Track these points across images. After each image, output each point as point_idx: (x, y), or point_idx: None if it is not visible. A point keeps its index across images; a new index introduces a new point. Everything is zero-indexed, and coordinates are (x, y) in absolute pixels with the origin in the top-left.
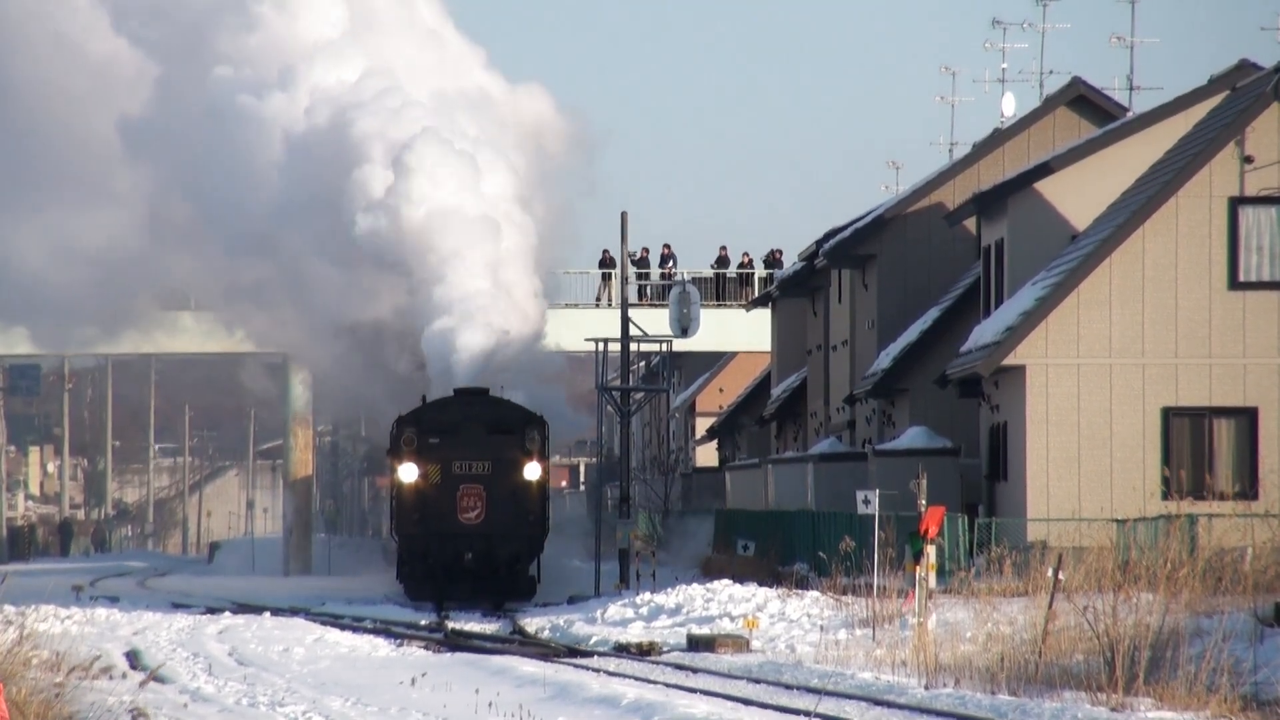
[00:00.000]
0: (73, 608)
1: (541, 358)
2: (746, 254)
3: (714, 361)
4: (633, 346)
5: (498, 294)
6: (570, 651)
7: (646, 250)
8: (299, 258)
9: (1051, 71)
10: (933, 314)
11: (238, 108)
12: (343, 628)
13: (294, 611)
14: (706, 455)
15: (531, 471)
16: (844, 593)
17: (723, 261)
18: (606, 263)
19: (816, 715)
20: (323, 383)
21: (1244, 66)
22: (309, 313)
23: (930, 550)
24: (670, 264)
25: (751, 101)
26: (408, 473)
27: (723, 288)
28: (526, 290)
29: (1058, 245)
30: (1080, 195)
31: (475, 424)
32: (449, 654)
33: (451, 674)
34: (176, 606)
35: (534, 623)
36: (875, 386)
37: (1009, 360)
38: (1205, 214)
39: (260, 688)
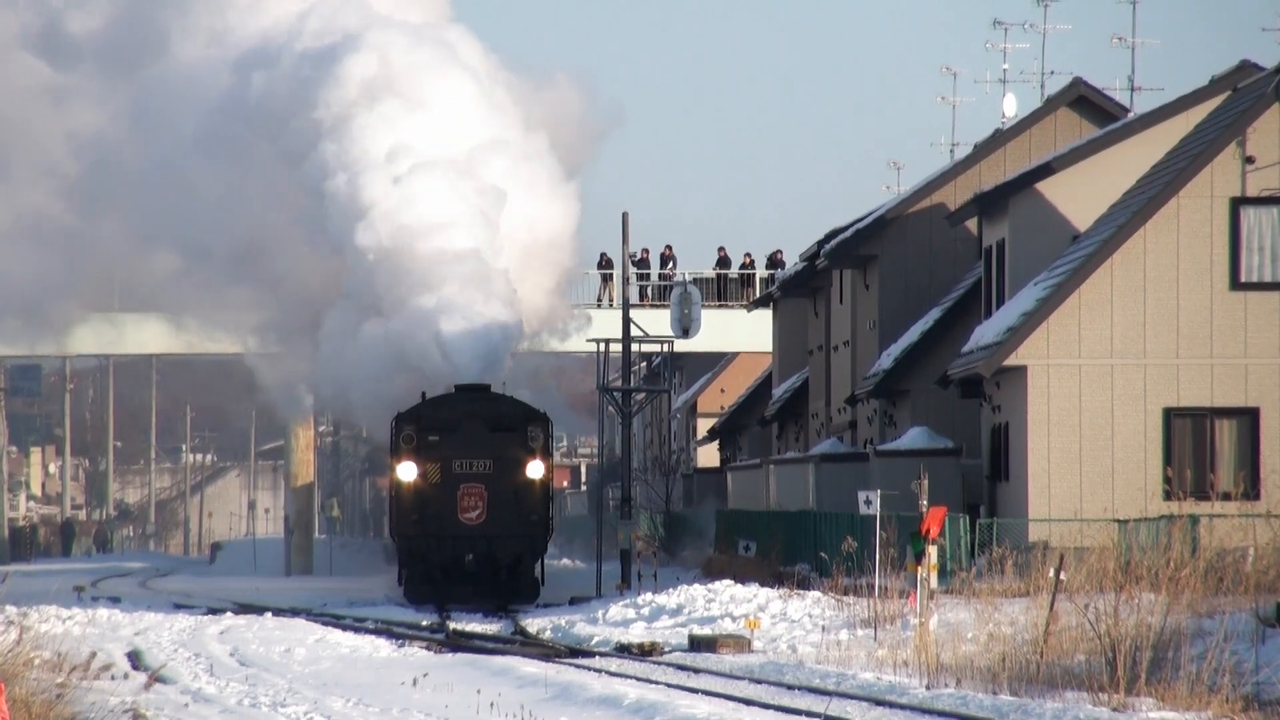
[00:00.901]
0: (74, 608)
1: (537, 358)
2: (749, 255)
3: (715, 362)
4: (634, 347)
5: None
6: (572, 652)
7: (646, 251)
8: (248, 239)
9: (1053, 72)
10: (934, 314)
11: (170, 74)
12: (344, 628)
13: (295, 612)
14: (708, 456)
15: (534, 470)
16: (845, 593)
17: (723, 263)
18: (604, 264)
19: (823, 716)
20: (284, 383)
21: (1245, 67)
22: (265, 300)
23: (931, 550)
24: (671, 265)
25: (752, 102)
26: (406, 472)
27: (723, 288)
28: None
29: (1059, 245)
30: (1081, 196)
31: (476, 421)
32: (450, 654)
33: (453, 674)
34: (178, 607)
35: (535, 623)
36: (877, 387)
37: (1010, 361)
38: (1206, 214)
39: (262, 688)
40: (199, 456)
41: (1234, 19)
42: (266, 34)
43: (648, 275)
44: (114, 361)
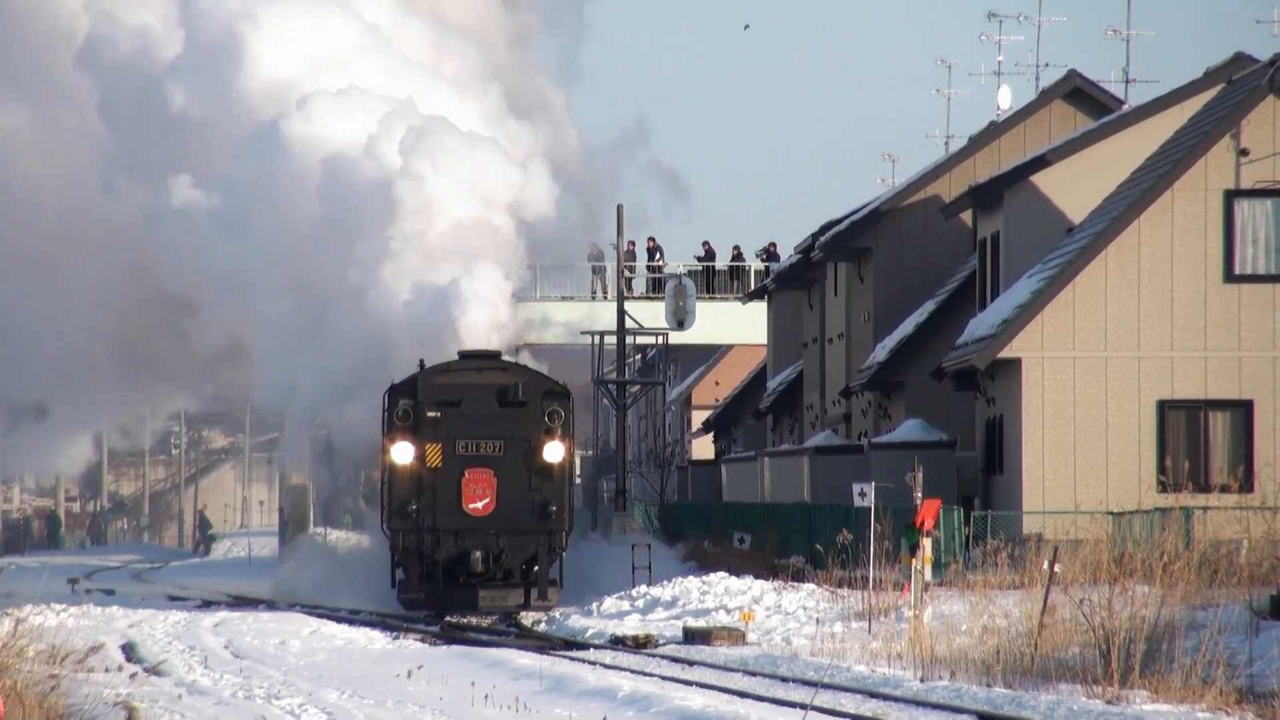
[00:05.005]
0: (68, 601)
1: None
2: (737, 246)
3: (710, 355)
4: (628, 339)
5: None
6: (566, 644)
7: (633, 244)
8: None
9: (1047, 64)
10: (929, 307)
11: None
12: (339, 620)
13: (290, 604)
14: (703, 448)
15: (553, 453)
16: (840, 585)
17: (708, 256)
18: (591, 256)
19: (812, 708)
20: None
21: (1239, 59)
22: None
23: (926, 543)
24: (658, 256)
25: (746, 94)
26: (402, 453)
27: (712, 281)
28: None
29: (1054, 238)
30: (1076, 188)
31: (484, 394)
32: (445, 646)
33: (448, 666)
34: (172, 600)
35: (530, 615)
36: (871, 379)
37: (1005, 353)
38: (1201, 207)
39: (256, 680)
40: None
41: (1228, 12)
42: None
43: (633, 267)
44: None
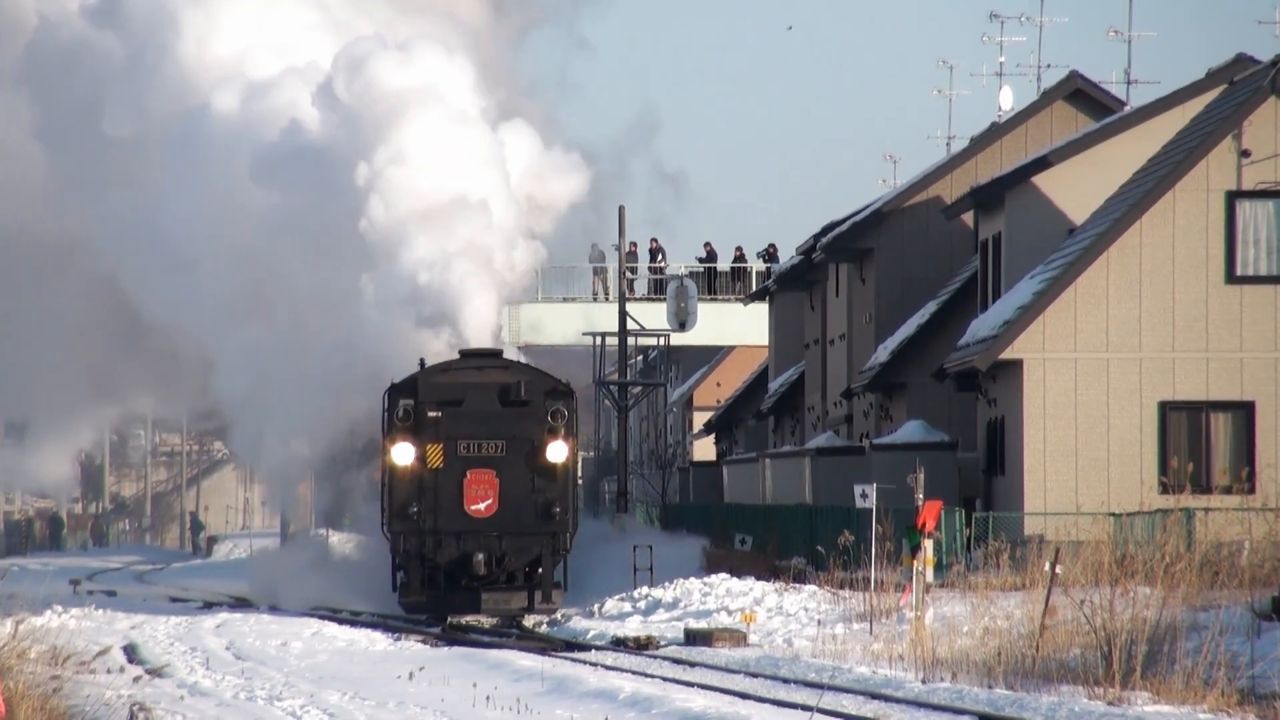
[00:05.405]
0: (70, 602)
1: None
2: (739, 248)
3: (711, 356)
4: (630, 340)
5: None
6: (568, 645)
7: (635, 245)
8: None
9: (1049, 65)
10: (930, 308)
11: None
12: (340, 622)
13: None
14: (704, 449)
15: (556, 453)
16: (841, 587)
17: (710, 257)
18: (593, 257)
19: (817, 710)
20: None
21: (1241, 60)
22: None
23: (927, 544)
24: (660, 257)
25: (746, 95)
26: (402, 454)
27: (713, 282)
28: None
29: (1055, 239)
30: (1078, 189)
31: (486, 394)
32: (446, 648)
33: (449, 668)
34: (174, 601)
35: (531, 617)
36: (873, 380)
37: (1006, 354)
38: (1202, 208)
39: (258, 681)
40: (193, 447)
41: (1230, 12)
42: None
43: (635, 268)
44: None
